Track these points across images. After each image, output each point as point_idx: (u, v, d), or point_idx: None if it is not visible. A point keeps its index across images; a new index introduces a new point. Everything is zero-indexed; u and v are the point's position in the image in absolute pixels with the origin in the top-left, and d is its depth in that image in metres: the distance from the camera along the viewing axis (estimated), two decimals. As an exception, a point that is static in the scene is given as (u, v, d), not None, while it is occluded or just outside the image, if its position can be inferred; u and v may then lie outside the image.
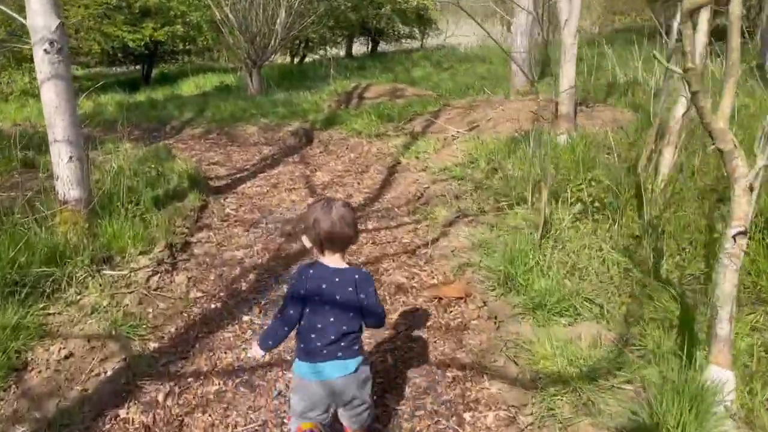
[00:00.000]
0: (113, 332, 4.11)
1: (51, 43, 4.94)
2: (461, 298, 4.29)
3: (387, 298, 4.55)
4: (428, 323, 4.11)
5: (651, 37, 9.37)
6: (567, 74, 6.52)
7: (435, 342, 3.87)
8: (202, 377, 3.68)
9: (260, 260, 5.42)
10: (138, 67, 22.41)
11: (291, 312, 2.46)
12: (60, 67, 5.02)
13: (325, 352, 2.43)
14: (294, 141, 10.00)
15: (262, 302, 4.63)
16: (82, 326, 4.19)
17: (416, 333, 4.00)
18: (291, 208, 6.83)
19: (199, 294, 4.79)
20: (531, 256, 4.05)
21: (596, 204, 4.64)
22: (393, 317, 4.26)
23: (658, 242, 3.97)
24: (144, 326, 4.22)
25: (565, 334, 3.46)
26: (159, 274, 4.99)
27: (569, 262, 4.11)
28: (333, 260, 2.48)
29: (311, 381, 2.46)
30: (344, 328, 2.44)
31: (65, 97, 5.08)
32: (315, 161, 8.80)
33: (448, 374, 3.51)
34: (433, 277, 4.80)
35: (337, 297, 2.43)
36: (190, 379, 3.66)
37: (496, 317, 3.87)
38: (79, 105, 14.18)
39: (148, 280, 4.90)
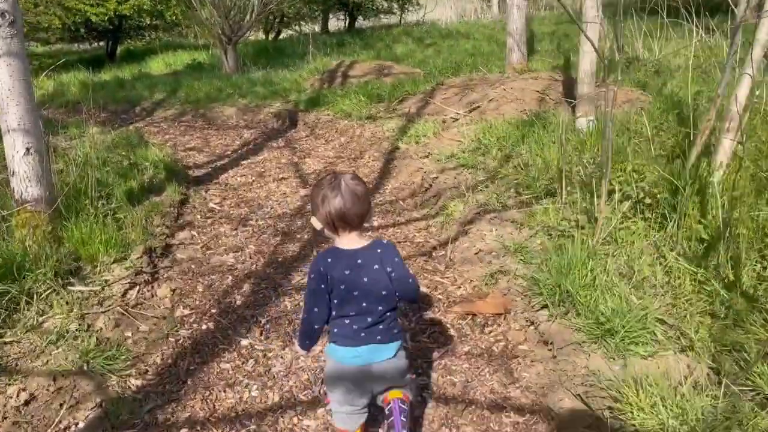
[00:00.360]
0: (85, 366, 3.36)
1: (2, 14, 4.09)
2: (500, 314, 3.62)
3: (408, 312, 3.86)
4: (465, 348, 3.43)
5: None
6: (589, 51, 5.83)
7: (480, 374, 3.19)
8: (198, 427, 2.95)
9: (254, 266, 4.68)
10: (102, 43, 21.14)
11: (316, 310, 2.25)
12: (13, 43, 4.19)
13: (363, 335, 2.24)
14: (277, 124, 9.19)
15: (262, 321, 3.90)
16: (46, 358, 3.43)
17: (453, 362, 3.33)
18: (282, 202, 6.08)
19: (187, 311, 4.04)
20: (588, 267, 3.38)
21: (646, 200, 3.98)
22: (421, 339, 3.57)
23: (732, 247, 3.33)
24: (123, 357, 3.47)
25: (647, 369, 2.81)
26: (138, 287, 4.22)
27: (630, 273, 3.45)
28: (350, 240, 2.22)
29: (349, 366, 2.27)
30: (380, 308, 2.24)
31: (20, 78, 4.25)
32: (302, 146, 8.02)
33: (505, 419, 2.84)
34: (459, 286, 4.12)
35: (365, 280, 2.19)
36: (184, 431, 2.93)
37: (551, 343, 3.20)
38: (39, 85, 13.11)
39: (124, 294, 4.14)
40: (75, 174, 5.85)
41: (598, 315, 3.07)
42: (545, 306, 3.43)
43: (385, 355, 2.27)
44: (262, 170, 7.11)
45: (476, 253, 4.45)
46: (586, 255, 3.43)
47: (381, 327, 2.25)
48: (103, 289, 4.12)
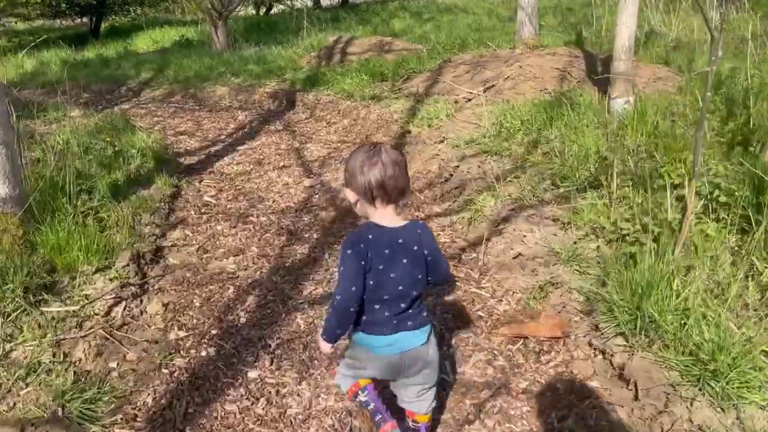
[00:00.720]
0: (60, 411, 2.71)
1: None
2: (557, 339, 2.99)
3: (445, 334, 3.23)
4: (522, 384, 2.81)
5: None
6: (627, 23, 5.15)
7: (546, 418, 2.57)
8: (201, 498, 2.32)
9: (258, 273, 4.03)
10: (85, 19, 20.13)
11: (353, 289, 1.99)
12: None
13: (395, 322, 2.07)
14: (273, 104, 8.48)
15: (272, 345, 3.26)
16: (13, 400, 2.78)
17: (510, 404, 2.70)
18: (285, 194, 5.40)
19: (182, 332, 3.39)
20: (673, 285, 2.75)
21: (721, 198, 3.35)
22: (464, 371, 2.95)
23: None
24: (106, 398, 2.82)
25: (768, 424, 2.19)
26: (124, 303, 3.57)
27: (719, 291, 2.83)
28: (388, 216, 2.02)
29: (381, 355, 2.11)
30: (414, 293, 2.08)
31: (-22, 58, 3.51)
32: (302, 130, 7.32)
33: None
34: (500, 299, 3.49)
35: (404, 261, 2.03)
36: (183, 506, 2.30)
37: (633, 382, 2.58)
38: (18, 63, 12.26)
39: (108, 313, 3.48)
40: (52, 164, 5.15)
41: (695, 349, 2.44)
42: (620, 333, 2.80)
43: (418, 342, 2.12)
44: (261, 157, 6.41)
45: (515, 258, 3.81)
46: (670, 271, 2.79)
47: (411, 312, 2.10)
48: (83, 307, 3.45)
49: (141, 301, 3.68)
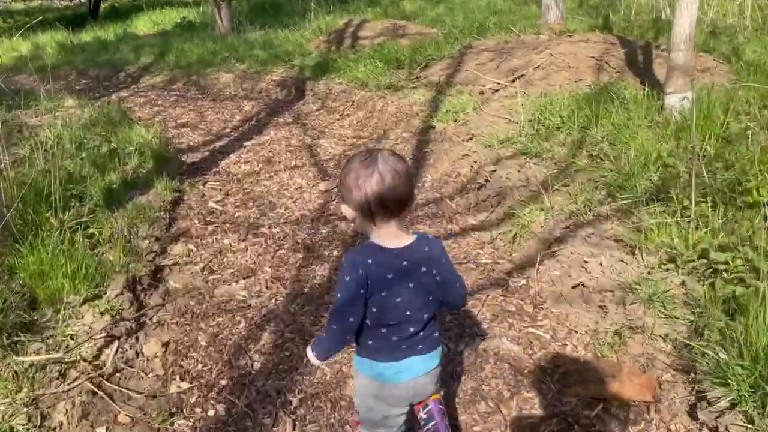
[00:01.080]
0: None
1: None
2: (646, 403, 2.40)
3: (503, 391, 2.64)
4: (611, 469, 2.22)
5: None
6: (688, 8, 4.49)
7: None
8: None
9: (273, 301, 3.43)
10: (84, 0, 19.34)
11: (351, 320, 1.76)
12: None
13: (404, 347, 1.83)
14: (281, 93, 7.82)
15: (293, 402, 2.68)
16: (-24, 485, 2.19)
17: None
18: (298, 199, 4.79)
19: (185, 384, 2.80)
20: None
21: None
22: (534, 445, 2.36)
23: None
24: (91, 483, 2.23)
25: None
26: (117, 343, 2.98)
27: None
28: (390, 233, 1.74)
29: (389, 383, 1.86)
30: (425, 316, 1.83)
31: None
32: (314, 123, 6.68)
33: None
34: (564, 344, 2.89)
35: (411, 285, 1.77)
36: None
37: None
38: (13, 46, 11.57)
39: (98, 356, 2.90)
40: (40, 164, 4.54)
41: None
42: (735, 403, 2.20)
43: (430, 366, 1.90)
44: (270, 154, 5.78)
45: (575, 287, 3.22)
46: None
47: (422, 335, 1.85)
48: (67, 350, 2.86)
49: (137, 339, 3.08)
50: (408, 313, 1.79)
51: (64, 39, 11.59)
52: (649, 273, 3.07)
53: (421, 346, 1.85)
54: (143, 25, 14.70)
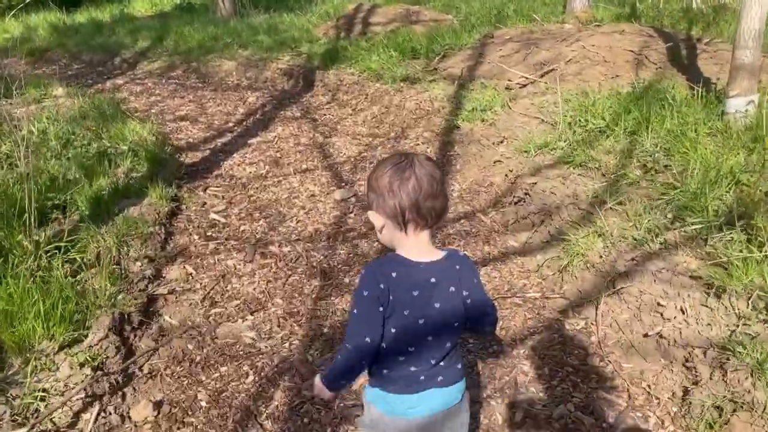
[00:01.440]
0: None
1: None
2: None
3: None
4: None
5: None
6: (758, 1, 3.88)
7: None
8: None
9: (287, 344, 2.87)
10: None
11: (368, 340, 1.51)
12: None
13: (423, 378, 1.59)
14: (288, 84, 7.21)
15: (318, 493, 2.11)
16: None
17: None
18: (311, 209, 4.21)
19: (182, 465, 2.23)
20: None
21: None
22: None
23: None
24: None
25: None
26: (98, 404, 2.41)
27: None
28: (420, 245, 1.53)
29: (404, 419, 1.60)
30: (448, 345, 1.60)
31: None
32: (325, 118, 6.07)
33: None
34: (645, 417, 2.33)
35: (437, 305, 1.54)
36: None
37: None
38: (4, 28, 10.88)
39: (73, 425, 2.33)
40: (19, 168, 3.95)
41: None
42: None
43: (452, 401, 1.63)
44: (278, 154, 5.19)
45: (646, 336, 2.65)
46: None
47: (443, 365, 1.60)
48: (36, 416, 2.29)
49: (123, 397, 2.52)
50: (430, 338, 1.57)
51: (57, 20, 10.91)
52: (744, 325, 2.50)
53: (441, 378, 1.62)
54: (141, 5, 13.99)
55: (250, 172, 4.84)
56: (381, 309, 1.51)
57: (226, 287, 3.33)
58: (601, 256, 3.16)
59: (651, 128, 4.22)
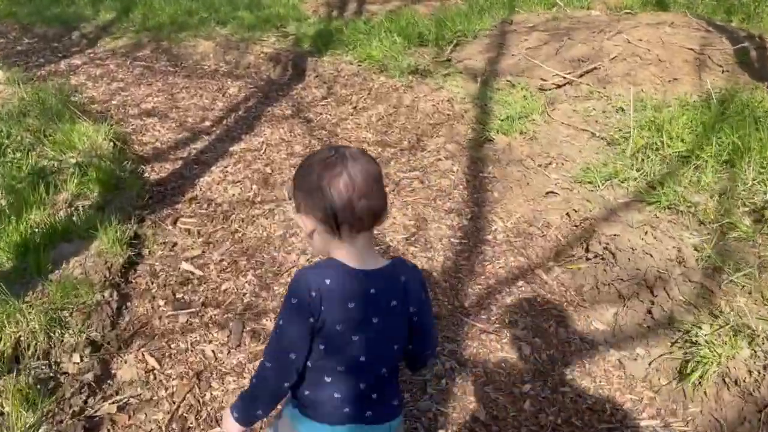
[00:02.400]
0: None
1: None
2: None
3: None
4: None
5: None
6: None
7: None
8: None
9: None
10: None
11: (292, 357, 1.30)
12: None
13: (347, 410, 1.34)
14: (275, 72, 6.01)
15: None
16: None
17: None
18: (316, 256, 3.10)
19: None
20: None
21: None
22: None
23: None
24: None
25: None
26: None
27: None
28: (358, 251, 1.31)
29: None
30: (383, 370, 1.37)
31: None
32: (321, 118, 4.93)
33: None
34: None
35: (374, 321, 1.32)
36: None
37: None
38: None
39: None
40: None
41: None
42: None
43: None
44: (267, 168, 4.07)
45: None
46: None
47: (375, 397, 1.36)
48: None
49: None
50: (362, 359, 1.32)
51: (10, -15, 9.41)
52: None
53: (369, 413, 1.36)
54: (108, -30, 12.41)
55: (233, 195, 3.71)
56: (311, 320, 1.27)
57: (203, 395, 2.25)
58: (750, 371, 2.14)
59: (749, 156, 3.20)
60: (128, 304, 2.69)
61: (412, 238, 3.23)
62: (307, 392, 1.36)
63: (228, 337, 2.53)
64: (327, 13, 7.44)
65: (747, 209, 2.96)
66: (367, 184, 1.27)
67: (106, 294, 2.62)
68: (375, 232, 1.60)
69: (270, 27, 6.99)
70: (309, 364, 1.33)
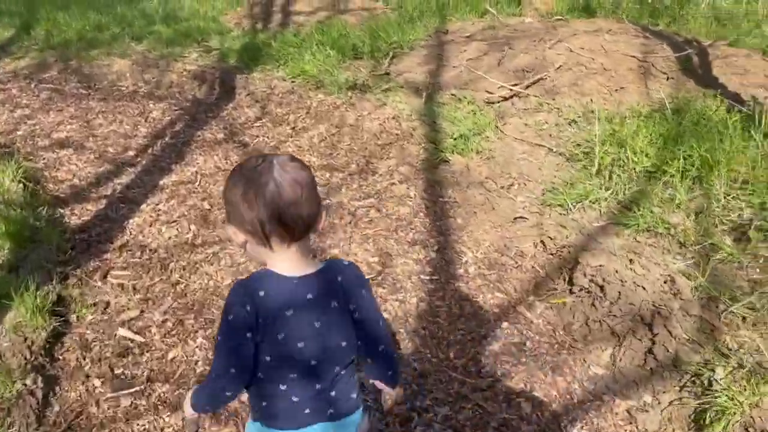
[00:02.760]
0: None
1: None
2: None
3: None
4: None
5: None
6: None
7: None
8: None
9: None
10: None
11: (233, 371, 1.29)
12: None
13: (308, 411, 1.34)
14: (201, 91, 5.54)
15: None
16: None
17: None
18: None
19: None
20: None
21: None
22: None
23: None
24: None
25: None
26: None
27: None
28: (291, 259, 1.29)
29: None
30: (336, 368, 1.36)
31: None
32: (258, 142, 4.53)
33: None
34: None
35: (317, 325, 1.31)
36: None
37: None
38: None
39: None
40: None
41: None
42: None
43: None
44: (205, 203, 3.63)
45: None
46: None
47: (333, 395, 1.37)
48: None
49: None
50: (313, 363, 1.32)
51: None
52: None
53: (332, 411, 1.37)
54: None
55: (170, 238, 3.26)
56: (249, 335, 1.25)
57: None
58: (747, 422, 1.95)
59: (717, 170, 3.07)
60: (57, 389, 2.23)
61: (379, 278, 2.90)
62: (264, 404, 1.35)
63: (183, 420, 2.13)
64: (251, 25, 6.99)
65: (726, 228, 2.82)
66: (296, 193, 1.22)
67: (29, 381, 2.15)
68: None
69: (191, 42, 6.49)
70: (260, 375, 1.30)
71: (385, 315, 2.66)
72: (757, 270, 2.56)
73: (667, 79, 4.37)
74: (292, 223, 1.24)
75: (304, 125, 4.66)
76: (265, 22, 7.05)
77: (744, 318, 2.29)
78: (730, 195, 2.95)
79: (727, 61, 4.50)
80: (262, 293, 1.26)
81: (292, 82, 5.31)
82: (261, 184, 1.22)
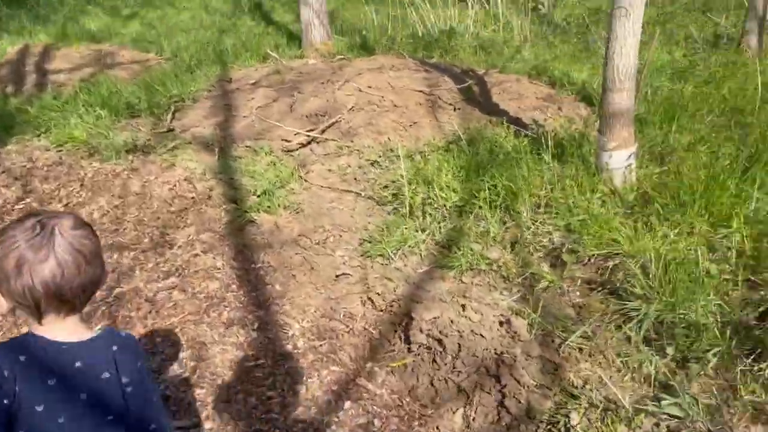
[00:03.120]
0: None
1: None
2: None
3: None
4: None
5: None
6: (633, 32, 2.97)
7: None
8: None
9: None
10: None
11: None
12: None
13: None
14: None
15: None
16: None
17: None
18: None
19: None
20: None
21: None
22: None
23: None
24: None
25: None
26: None
27: None
28: (63, 327, 1.20)
29: None
30: None
31: None
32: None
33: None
34: None
35: (83, 397, 1.19)
36: None
37: None
38: None
39: None
40: None
41: None
42: None
43: None
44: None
45: None
46: None
47: None
48: None
49: None
50: None
51: None
52: None
53: None
54: None
55: None
56: (5, 402, 1.11)
57: None
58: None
59: (522, 198, 3.10)
60: None
61: (195, 377, 2.44)
62: None
63: None
64: (0, 90, 5.98)
65: (541, 254, 2.82)
66: (79, 267, 1.14)
67: None
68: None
69: None
70: None
71: (209, 424, 2.21)
72: (578, 293, 2.56)
73: (455, 110, 4.46)
74: (73, 298, 1.17)
75: (80, 200, 3.98)
76: (17, 85, 6.08)
77: (581, 349, 2.24)
78: (537, 220, 2.97)
79: (503, 87, 4.73)
80: (23, 358, 1.15)
81: (59, 151, 4.55)
82: (39, 259, 1.11)
